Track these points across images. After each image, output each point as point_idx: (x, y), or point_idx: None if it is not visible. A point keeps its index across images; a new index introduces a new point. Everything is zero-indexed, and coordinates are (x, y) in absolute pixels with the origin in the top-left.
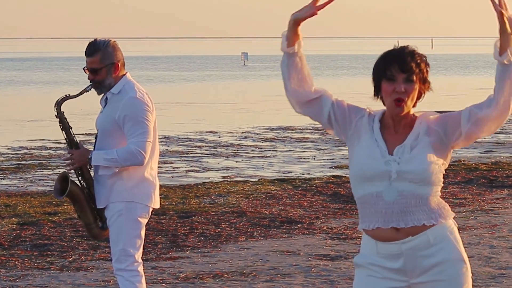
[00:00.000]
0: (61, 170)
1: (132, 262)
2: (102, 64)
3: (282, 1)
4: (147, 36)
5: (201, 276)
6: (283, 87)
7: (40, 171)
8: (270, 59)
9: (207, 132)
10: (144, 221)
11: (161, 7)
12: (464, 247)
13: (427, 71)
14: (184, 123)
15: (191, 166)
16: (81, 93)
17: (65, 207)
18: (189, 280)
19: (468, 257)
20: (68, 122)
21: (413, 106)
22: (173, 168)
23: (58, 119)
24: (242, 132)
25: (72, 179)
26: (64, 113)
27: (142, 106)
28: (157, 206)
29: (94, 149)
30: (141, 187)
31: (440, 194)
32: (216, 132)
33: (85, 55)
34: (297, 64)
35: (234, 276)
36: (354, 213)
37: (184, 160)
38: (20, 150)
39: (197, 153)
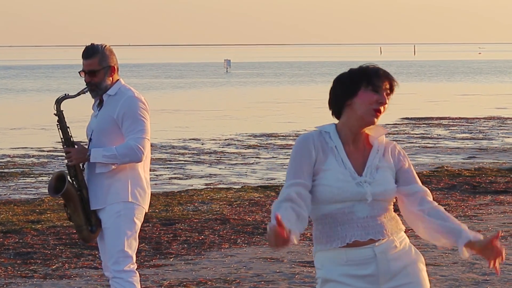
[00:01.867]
0: (44, 178)
1: (130, 263)
2: (100, 66)
3: (264, 8)
4: (130, 44)
5: (184, 283)
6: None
7: (23, 179)
8: (252, 66)
9: (190, 139)
10: (139, 223)
11: (144, 14)
12: (448, 253)
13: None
14: (167, 131)
15: (174, 174)
16: (78, 94)
17: (48, 215)
18: None
19: (452, 263)
20: (66, 121)
21: None
22: (156, 175)
23: (56, 117)
24: (225, 139)
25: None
26: (63, 112)
27: (140, 105)
28: (147, 209)
29: None
30: (138, 188)
31: None
32: (199, 140)
33: (83, 57)
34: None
35: (218, 283)
36: None
37: (167, 168)
38: (2, 158)
39: (180, 160)
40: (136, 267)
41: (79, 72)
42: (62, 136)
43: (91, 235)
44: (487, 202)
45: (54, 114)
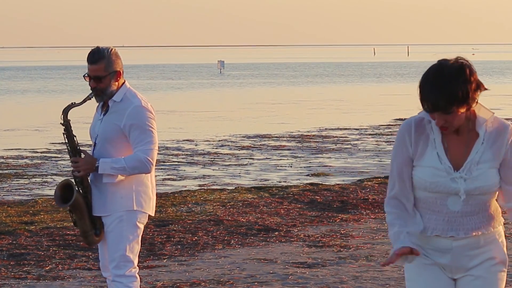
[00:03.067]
0: (38, 180)
1: (131, 268)
2: (107, 72)
3: (257, 9)
4: (124, 45)
5: (178, 284)
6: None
7: (17, 181)
8: (246, 67)
9: (183, 140)
10: (142, 226)
11: (137, 16)
12: None
13: (469, 93)
14: (161, 132)
15: (168, 175)
16: (84, 101)
17: (42, 216)
18: None
19: None
20: (72, 130)
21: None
22: None
23: (63, 127)
24: (219, 140)
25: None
26: (70, 121)
27: (148, 115)
28: (153, 213)
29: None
30: (142, 195)
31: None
32: (193, 141)
33: (88, 62)
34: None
35: (211, 284)
36: (331, 220)
37: (161, 169)
38: None
39: (173, 161)
40: (137, 270)
41: (83, 76)
42: (68, 145)
43: (96, 239)
44: None
45: (61, 123)
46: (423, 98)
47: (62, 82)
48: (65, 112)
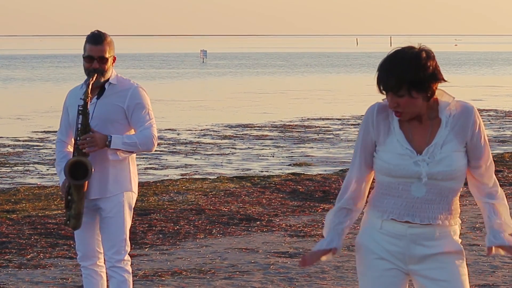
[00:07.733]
0: (20, 168)
1: (127, 252)
2: (109, 54)
3: None
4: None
5: (159, 273)
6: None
7: None
8: (229, 57)
9: (166, 129)
10: None
11: (118, 4)
12: None
13: (423, 79)
14: None
15: (150, 164)
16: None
17: (23, 204)
18: (148, 278)
19: None
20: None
21: (427, 100)
22: None
23: (82, 102)
24: (201, 130)
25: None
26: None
27: (147, 96)
28: None
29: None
30: (134, 177)
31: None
32: (175, 130)
33: (92, 43)
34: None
35: (193, 273)
36: (313, 210)
37: (143, 158)
38: None
39: (156, 150)
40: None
41: (83, 57)
42: (82, 122)
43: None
44: (463, 194)
45: (81, 98)
46: (377, 80)
47: (44, 71)
48: (89, 87)
